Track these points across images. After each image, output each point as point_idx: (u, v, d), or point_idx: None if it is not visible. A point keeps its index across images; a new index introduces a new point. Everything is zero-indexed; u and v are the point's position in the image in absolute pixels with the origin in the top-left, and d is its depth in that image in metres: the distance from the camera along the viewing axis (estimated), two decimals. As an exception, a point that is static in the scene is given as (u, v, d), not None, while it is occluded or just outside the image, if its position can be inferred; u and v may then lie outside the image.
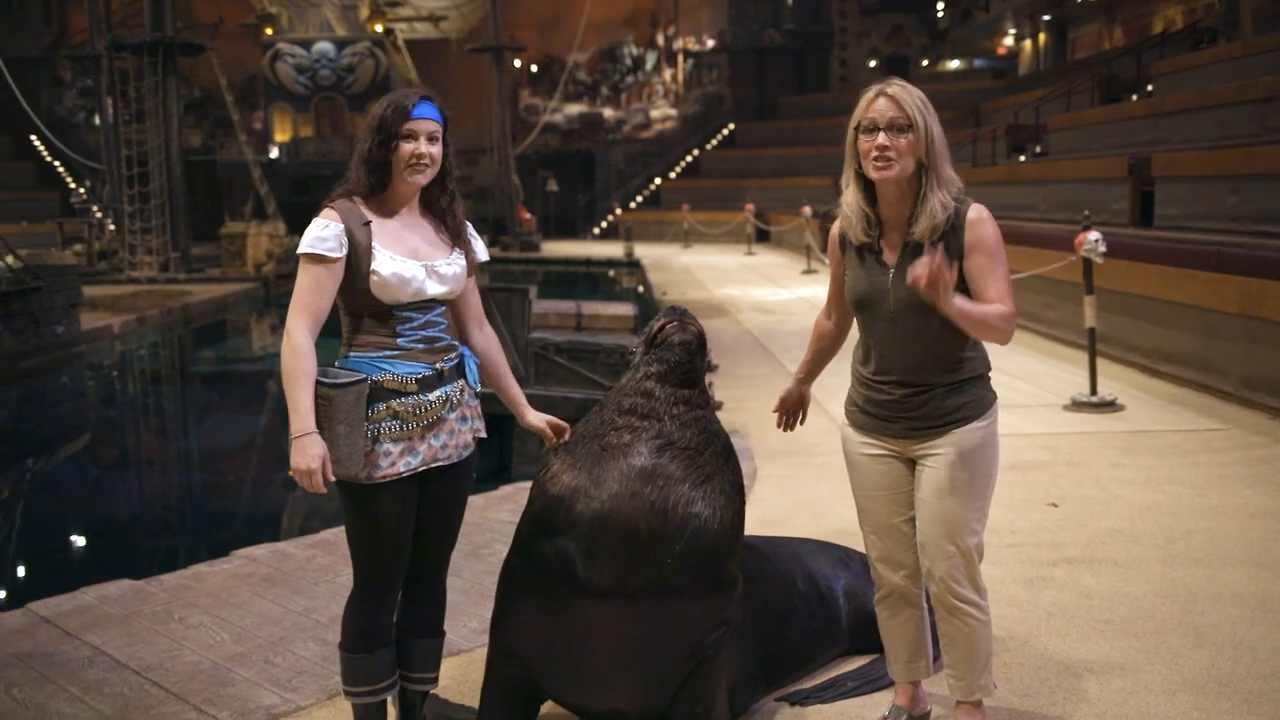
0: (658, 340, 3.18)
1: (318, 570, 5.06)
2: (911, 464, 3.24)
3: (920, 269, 2.86)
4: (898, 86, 3.09)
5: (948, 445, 3.14)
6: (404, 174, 3.05)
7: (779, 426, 3.66)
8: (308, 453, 2.87)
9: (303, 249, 2.99)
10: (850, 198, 3.23)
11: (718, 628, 3.09)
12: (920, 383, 3.15)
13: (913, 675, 3.42)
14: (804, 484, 6.46)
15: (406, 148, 3.03)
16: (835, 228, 3.35)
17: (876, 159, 3.06)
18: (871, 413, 3.26)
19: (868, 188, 3.19)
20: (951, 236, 3.06)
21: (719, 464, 3.10)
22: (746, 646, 3.41)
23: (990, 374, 3.24)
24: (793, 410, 3.65)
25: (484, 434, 3.28)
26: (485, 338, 3.33)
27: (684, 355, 3.15)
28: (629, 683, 3.07)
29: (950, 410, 3.14)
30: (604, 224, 37.70)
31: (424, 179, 3.08)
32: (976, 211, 3.07)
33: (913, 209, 3.10)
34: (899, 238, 3.15)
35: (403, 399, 3.03)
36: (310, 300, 2.98)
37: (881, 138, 3.05)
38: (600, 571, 2.96)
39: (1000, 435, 3.26)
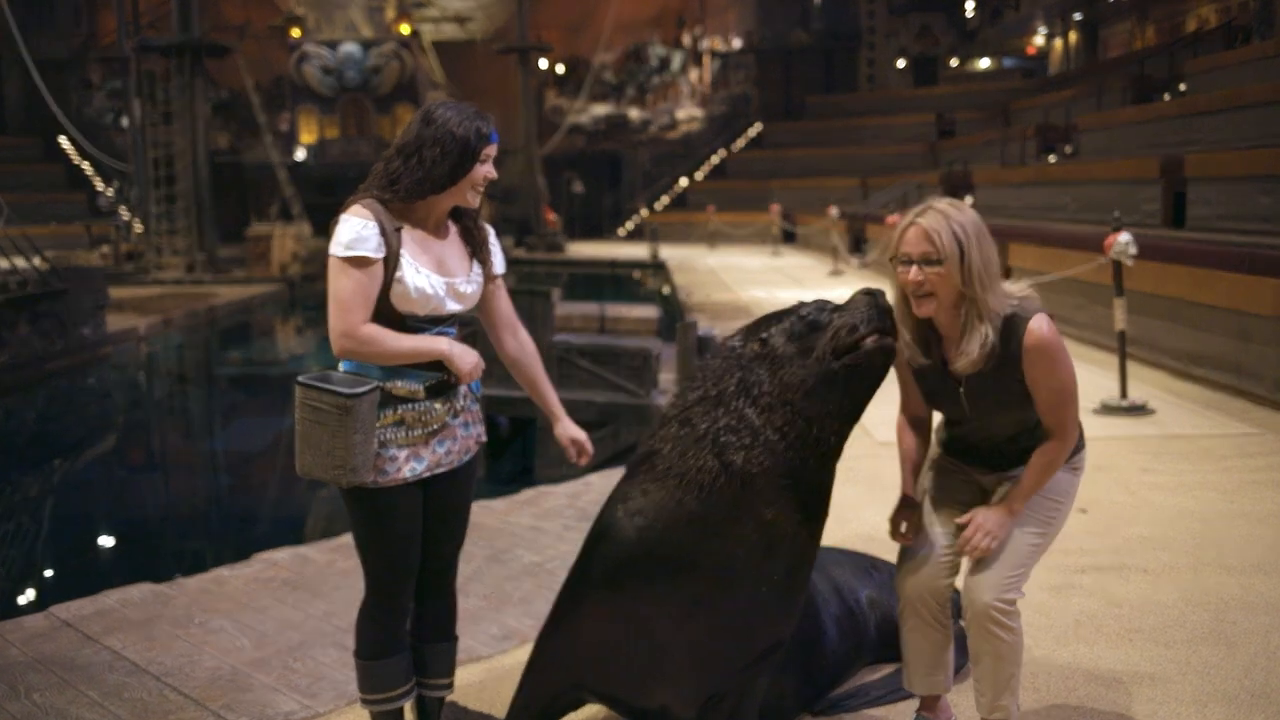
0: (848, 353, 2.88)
1: (338, 575, 5.04)
2: (984, 491, 3.24)
3: (971, 545, 3.03)
4: (933, 214, 2.95)
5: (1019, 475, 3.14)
6: (468, 194, 3.03)
7: (894, 537, 3.36)
8: (468, 352, 2.96)
9: (344, 252, 2.88)
10: (898, 317, 3.07)
11: (775, 644, 3.04)
12: (996, 451, 3.18)
13: (931, 689, 3.36)
14: (829, 488, 6.39)
15: (481, 170, 3.01)
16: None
17: (914, 294, 2.97)
18: (957, 447, 3.28)
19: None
20: (1010, 362, 2.97)
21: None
22: (785, 667, 3.35)
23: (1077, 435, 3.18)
24: (913, 527, 3.36)
25: (484, 438, 3.26)
26: (519, 344, 3.28)
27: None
28: (687, 685, 3.00)
29: (1028, 456, 3.13)
30: (629, 225, 37.74)
31: (479, 199, 3.08)
32: (1033, 336, 2.93)
33: (960, 334, 3.00)
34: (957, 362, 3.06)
35: (410, 405, 3.00)
36: (358, 303, 2.88)
37: (914, 272, 2.94)
38: (681, 603, 2.89)
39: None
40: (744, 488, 2.81)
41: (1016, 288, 3.04)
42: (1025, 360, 2.95)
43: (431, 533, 3.18)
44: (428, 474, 3.05)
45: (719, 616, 2.90)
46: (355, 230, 2.89)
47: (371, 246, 2.88)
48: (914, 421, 3.33)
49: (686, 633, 2.92)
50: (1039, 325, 2.94)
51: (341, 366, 3.03)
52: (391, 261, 2.94)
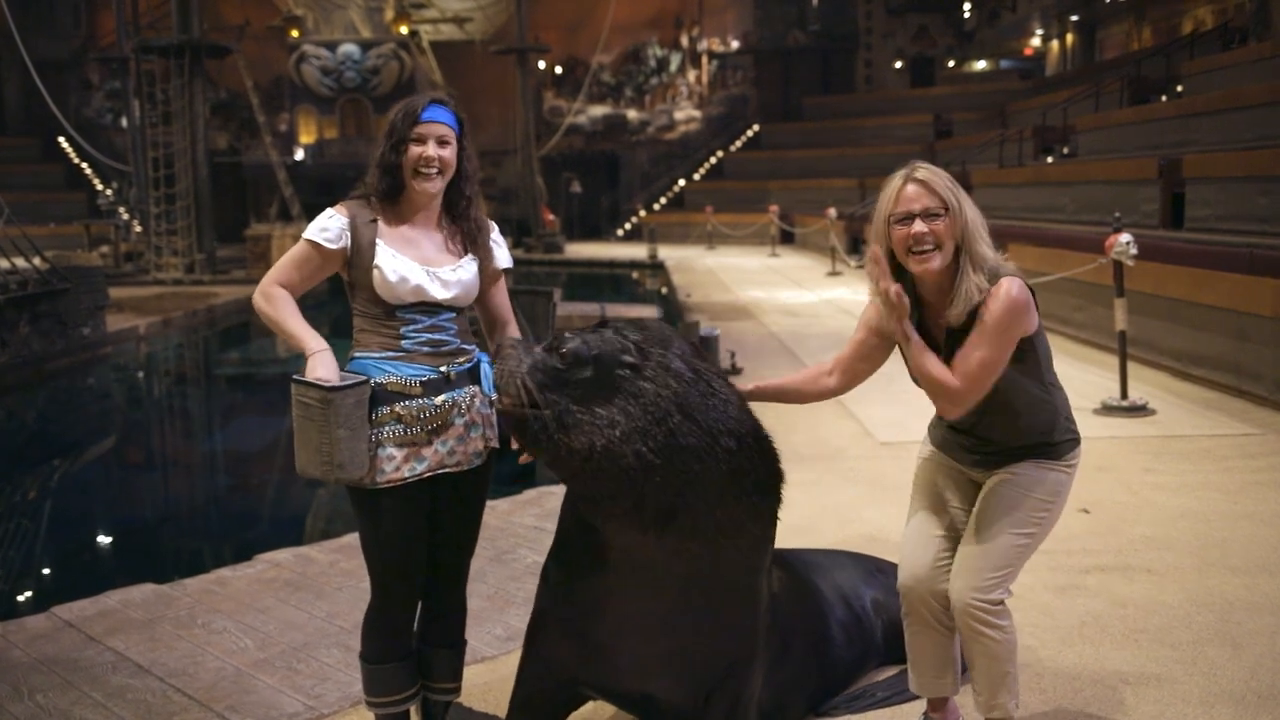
0: None
1: (341, 575, 5.04)
2: (978, 488, 3.24)
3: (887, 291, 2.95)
4: (925, 170, 3.00)
5: (1011, 472, 3.14)
6: (412, 179, 3.04)
7: None
8: (322, 367, 2.90)
9: (306, 233, 3.05)
10: (878, 289, 3.10)
11: (748, 636, 3.01)
12: (984, 438, 3.17)
13: (938, 691, 3.36)
14: (830, 489, 6.40)
15: (414, 151, 3.02)
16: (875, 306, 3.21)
17: (915, 250, 2.97)
18: (949, 440, 3.28)
19: (899, 273, 3.07)
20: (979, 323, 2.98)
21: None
22: (789, 675, 3.34)
23: (1070, 430, 3.19)
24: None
25: (497, 444, 3.18)
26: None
27: None
28: (661, 674, 2.98)
29: (1021, 451, 3.14)
30: (628, 225, 37.70)
31: (434, 185, 3.06)
32: (1000, 289, 2.93)
33: (954, 286, 3.00)
34: (943, 319, 3.05)
35: (406, 402, 2.99)
36: (289, 270, 3.05)
37: (918, 225, 2.95)
38: (609, 614, 2.92)
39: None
40: (585, 511, 2.86)
41: (995, 252, 3.05)
42: (982, 306, 2.93)
43: (440, 537, 3.16)
44: (429, 474, 3.03)
45: (650, 624, 2.89)
46: (323, 220, 3.06)
47: (328, 236, 3.03)
48: (834, 380, 3.30)
49: (630, 637, 2.93)
50: (1008, 284, 2.94)
51: (347, 367, 3.03)
52: (366, 251, 3.00)
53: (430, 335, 3.03)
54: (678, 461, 2.68)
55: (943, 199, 2.96)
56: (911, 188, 2.99)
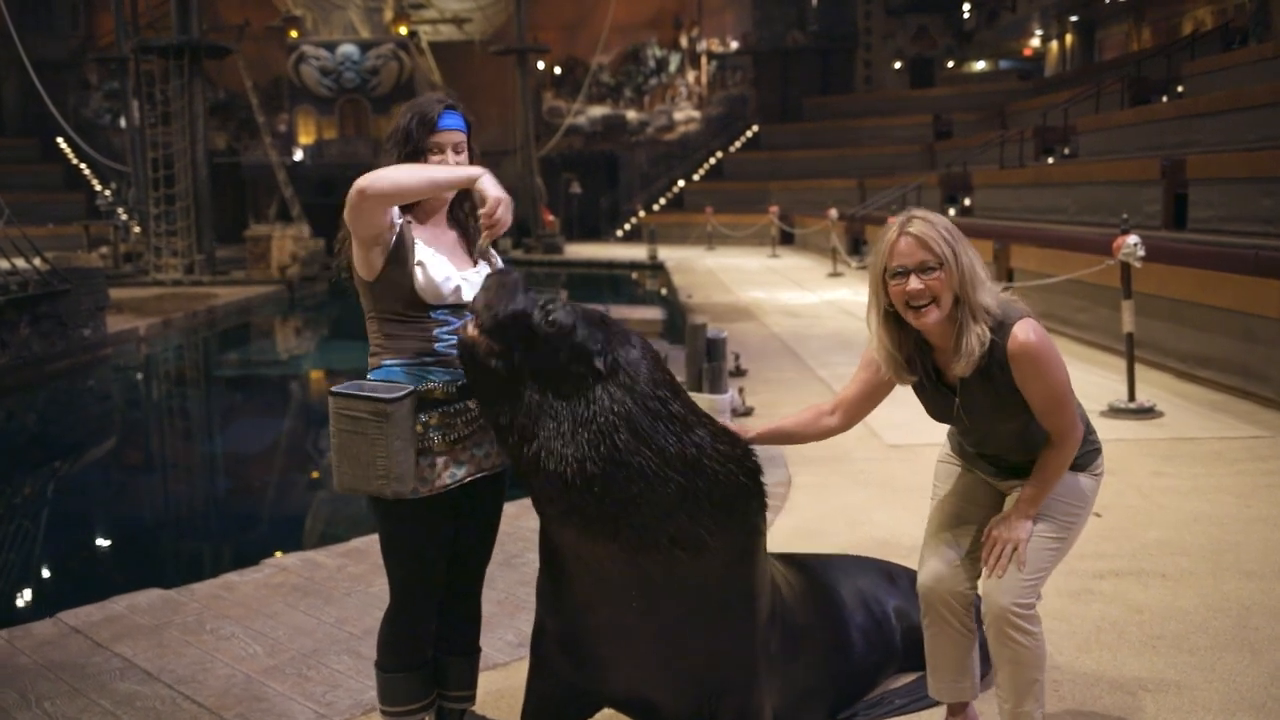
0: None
1: (350, 580, 4.99)
2: (999, 492, 3.24)
3: (994, 560, 3.04)
4: (920, 222, 2.94)
5: None
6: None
7: None
8: (498, 185, 2.81)
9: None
10: (878, 342, 3.08)
11: (744, 642, 2.96)
12: (1012, 465, 3.17)
13: (957, 696, 3.33)
14: (839, 492, 6.37)
15: (434, 160, 2.97)
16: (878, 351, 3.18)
17: (911, 306, 2.93)
18: (970, 455, 3.27)
19: (899, 323, 3.04)
20: (996, 370, 2.95)
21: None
22: (804, 681, 3.30)
23: (1091, 442, 3.19)
24: None
25: None
26: None
27: None
28: (655, 681, 2.95)
29: None
30: (627, 226, 37.67)
31: (453, 191, 3.02)
32: (1016, 342, 2.91)
33: (955, 338, 2.97)
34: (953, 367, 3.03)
35: (444, 407, 2.95)
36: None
37: (913, 282, 2.91)
38: (593, 623, 2.91)
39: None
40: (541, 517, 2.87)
41: (998, 294, 3.02)
42: (1012, 367, 2.93)
43: (463, 541, 3.13)
44: (468, 479, 3.00)
45: (631, 632, 2.86)
46: None
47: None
48: (836, 419, 3.28)
49: (615, 645, 2.90)
50: (1023, 331, 2.91)
51: (370, 375, 2.98)
52: (409, 247, 2.92)
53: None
54: (618, 477, 2.66)
55: (937, 254, 2.90)
56: (904, 242, 2.94)
